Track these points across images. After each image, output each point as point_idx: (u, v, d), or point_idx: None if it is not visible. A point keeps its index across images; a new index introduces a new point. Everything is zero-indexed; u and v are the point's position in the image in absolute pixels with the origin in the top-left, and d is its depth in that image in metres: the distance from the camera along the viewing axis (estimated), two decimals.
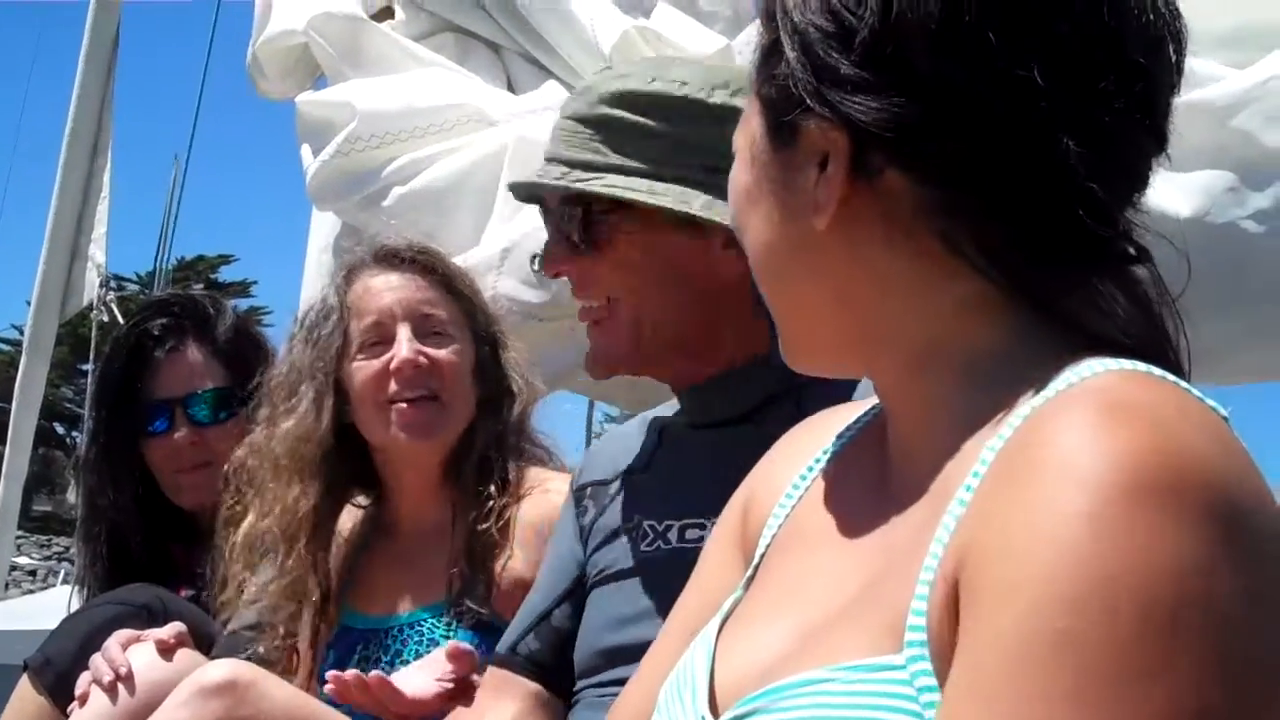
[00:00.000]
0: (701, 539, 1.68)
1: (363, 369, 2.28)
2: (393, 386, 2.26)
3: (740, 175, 1.13)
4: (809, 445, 1.24)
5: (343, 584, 2.32)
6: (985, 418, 0.97)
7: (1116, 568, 0.79)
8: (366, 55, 3.13)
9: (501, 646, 1.90)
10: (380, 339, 2.29)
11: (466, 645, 1.95)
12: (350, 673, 1.91)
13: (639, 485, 1.84)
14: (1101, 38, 0.99)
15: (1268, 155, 2.24)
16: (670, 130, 1.77)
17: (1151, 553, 0.79)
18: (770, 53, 1.08)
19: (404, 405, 2.26)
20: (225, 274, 42.56)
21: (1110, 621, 0.78)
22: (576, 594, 1.85)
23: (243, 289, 41.05)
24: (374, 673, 1.93)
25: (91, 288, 4.73)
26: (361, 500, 2.39)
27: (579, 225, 1.80)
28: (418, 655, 2.16)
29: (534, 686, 1.85)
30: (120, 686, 2.13)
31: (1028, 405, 0.93)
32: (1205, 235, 2.18)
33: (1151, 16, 1.02)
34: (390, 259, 2.34)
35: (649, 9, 3.06)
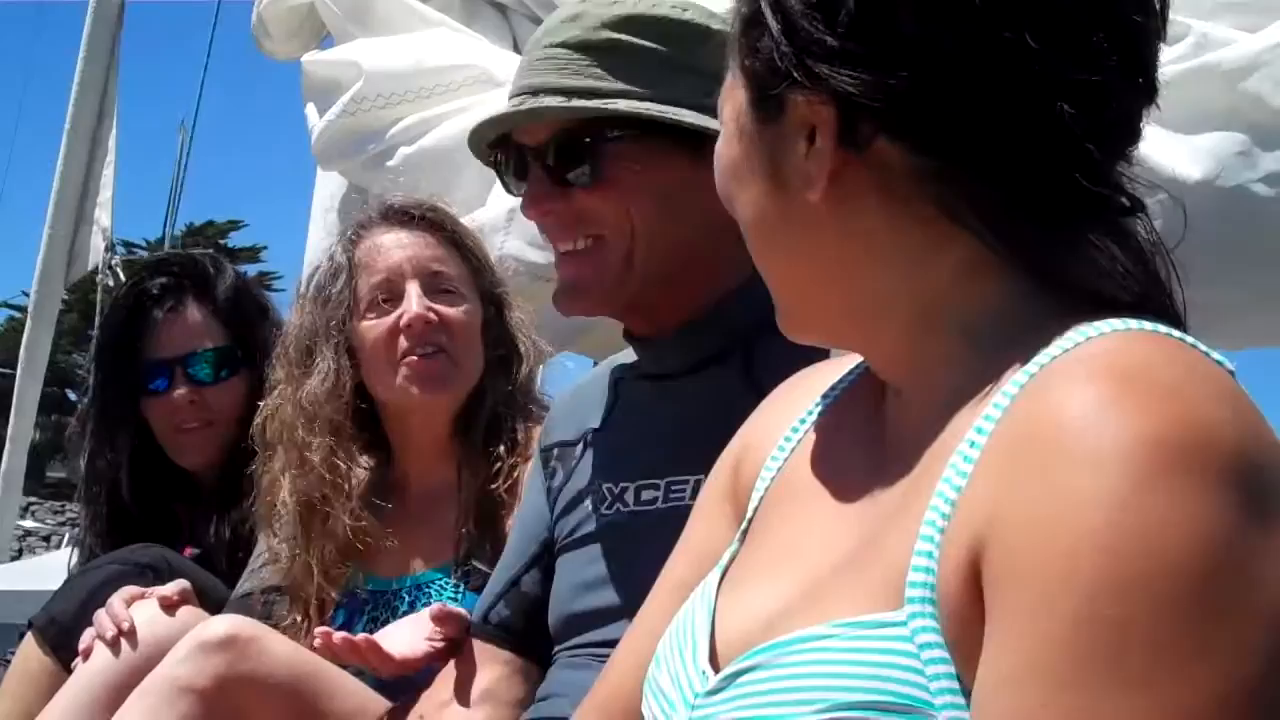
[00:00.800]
0: (655, 500, 1.69)
1: (373, 327, 2.27)
2: (403, 343, 2.25)
3: (727, 149, 1.12)
4: (799, 399, 1.24)
5: (353, 544, 2.31)
6: (985, 379, 0.97)
7: (1154, 546, 0.79)
8: (373, 15, 3.12)
9: (476, 613, 1.89)
10: (390, 296, 2.28)
11: (453, 608, 1.94)
12: (339, 635, 1.90)
13: (598, 445, 1.81)
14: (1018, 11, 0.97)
15: (1278, 118, 2.23)
16: (674, 54, 1.72)
17: (1183, 526, 0.80)
18: (751, 24, 1.06)
19: (414, 359, 2.25)
20: (234, 239, 42.60)
21: (1160, 602, 0.78)
22: (544, 559, 1.84)
23: (252, 254, 41.10)
24: (361, 634, 1.93)
25: (97, 252, 4.73)
26: (365, 461, 2.39)
27: (585, 156, 1.72)
28: None
29: (506, 654, 1.84)
30: (123, 642, 2.14)
31: (1032, 365, 0.92)
32: (1215, 198, 2.17)
33: None
34: (399, 217, 2.33)
35: None
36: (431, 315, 2.25)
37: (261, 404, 2.37)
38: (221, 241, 41.16)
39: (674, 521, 1.64)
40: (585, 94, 1.71)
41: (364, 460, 2.36)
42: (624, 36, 1.73)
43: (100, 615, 2.21)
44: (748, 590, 1.11)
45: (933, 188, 1.00)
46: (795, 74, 1.01)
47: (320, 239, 3.37)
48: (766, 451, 1.22)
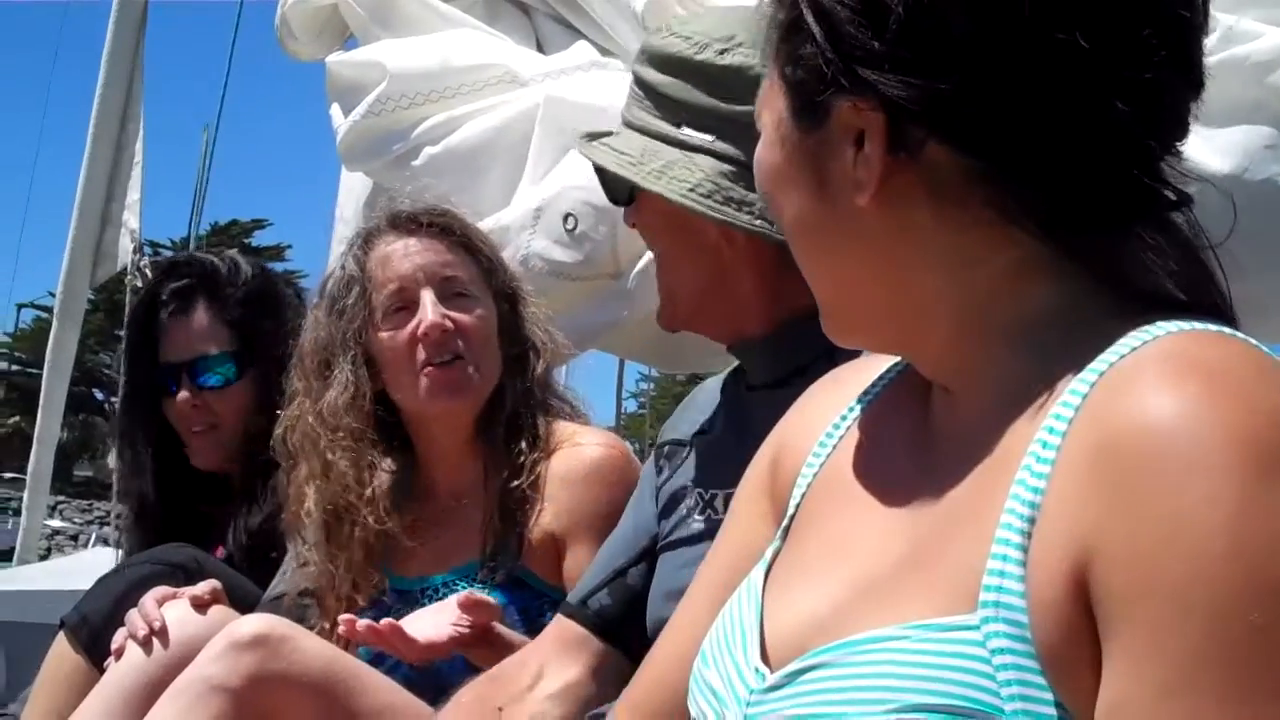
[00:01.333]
0: None
1: (390, 338, 2.28)
2: (421, 352, 2.26)
3: (769, 154, 1.12)
4: (836, 398, 1.24)
5: (379, 548, 2.32)
6: (1042, 380, 0.97)
7: (1277, 542, 0.80)
8: (396, 16, 3.12)
9: (574, 597, 1.89)
10: (404, 305, 2.29)
11: (482, 596, 1.95)
12: (362, 621, 1.91)
13: (700, 449, 1.85)
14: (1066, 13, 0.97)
15: None
16: (676, 89, 1.80)
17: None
18: (791, 30, 1.06)
19: (433, 368, 2.26)
20: (259, 238, 42.78)
21: None
22: (650, 553, 1.86)
23: (276, 253, 41.24)
24: (385, 619, 1.94)
25: (125, 253, 4.75)
26: (389, 466, 2.39)
27: (631, 190, 1.86)
28: None
29: (601, 646, 1.83)
30: (154, 641, 2.16)
31: (1099, 364, 0.92)
32: (1242, 192, 2.15)
33: None
34: (407, 224, 2.34)
35: None
36: (447, 323, 2.26)
37: (281, 413, 2.38)
38: (246, 241, 41.35)
39: None
40: (625, 122, 1.84)
41: (387, 465, 2.37)
42: (641, 69, 1.87)
43: (132, 615, 2.23)
44: (796, 589, 1.11)
45: (984, 189, 1.00)
46: (842, 80, 1.01)
47: (343, 242, 3.38)
48: (806, 449, 1.22)
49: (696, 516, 1.78)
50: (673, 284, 1.86)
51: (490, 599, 1.95)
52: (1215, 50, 2.23)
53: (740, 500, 1.31)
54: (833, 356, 1.67)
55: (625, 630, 1.82)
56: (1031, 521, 0.91)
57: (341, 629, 1.92)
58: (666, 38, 1.82)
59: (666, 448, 1.91)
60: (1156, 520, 0.83)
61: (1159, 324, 0.93)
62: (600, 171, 1.88)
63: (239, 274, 2.87)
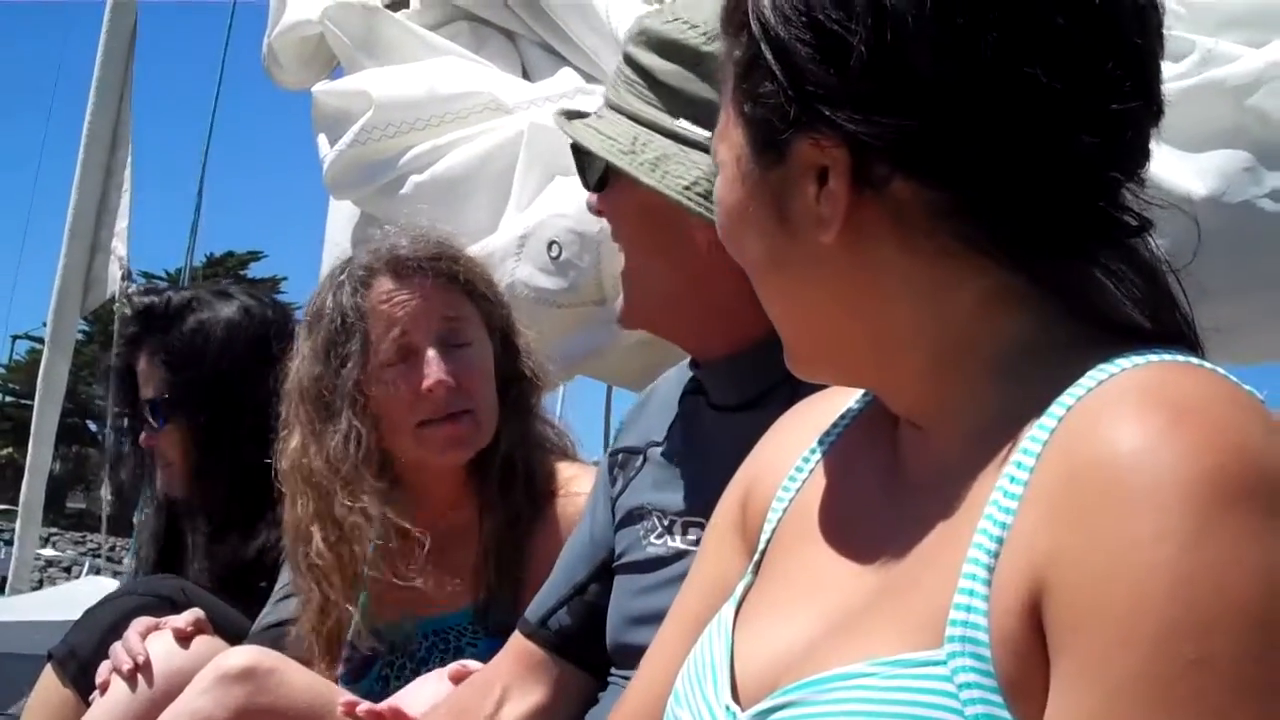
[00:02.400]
0: (699, 540, 1.63)
1: (392, 390, 2.22)
2: (424, 408, 2.22)
3: (729, 192, 1.10)
4: (804, 431, 1.23)
5: (376, 590, 2.30)
6: (1012, 412, 0.96)
7: (1225, 583, 0.80)
8: (382, 44, 3.13)
9: (533, 615, 1.84)
10: (405, 357, 2.23)
11: (472, 664, 1.93)
12: (363, 707, 1.88)
13: (656, 464, 1.79)
14: (1098, 24, 0.98)
15: None
16: (677, 79, 1.69)
17: (1253, 561, 0.80)
18: (750, 67, 1.05)
19: (437, 425, 2.22)
20: (255, 270, 42.74)
21: (1238, 640, 0.79)
22: (609, 567, 1.80)
23: (272, 285, 41.13)
24: (384, 703, 1.91)
25: (114, 280, 4.75)
26: (387, 510, 2.34)
27: (609, 177, 1.75)
28: (441, 660, 2.14)
29: (564, 666, 1.80)
30: (139, 675, 2.15)
31: (1066, 397, 0.92)
32: (1221, 215, 2.17)
33: None
34: (403, 265, 2.26)
35: None
36: (452, 381, 2.21)
37: (278, 442, 2.33)
38: (242, 273, 41.33)
39: None
40: (610, 106, 1.73)
41: (386, 509, 2.29)
42: (636, 50, 1.73)
43: (116, 649, 2.22)
44: (766, 625, 1.10)
45: (950, 222, 1.00)
46: (803, 118, 1.01)
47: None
48: (775, 483, 1.21)
49: (654, 540, 1.72)
50: (644, 281, 1.76)
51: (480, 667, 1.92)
52: (1193, 73, 2.25)
53: (712, 535, 1.30)
54: (795, 382, 1.66)
55: (587, 649, 1.78)
56: (996, 555, 0.91)
57: (340, 711, 1.90)
58: (671, 22, 1.69)
59: (620, 455, 1.84)
60: (1106, 550, 0.83)
61: (1128, 355, 0.93)
62: (578, 152, 1.77)
63: (170, 318, 2.86)
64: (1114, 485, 0.84)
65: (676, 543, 1.70)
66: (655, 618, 1.66)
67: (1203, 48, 2.27)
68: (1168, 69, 1.06)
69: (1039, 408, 0.94)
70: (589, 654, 1.78)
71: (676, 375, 1.87)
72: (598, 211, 1.81)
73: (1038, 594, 0.87)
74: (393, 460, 2.27)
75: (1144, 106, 1.01)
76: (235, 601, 2.56)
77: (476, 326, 2.28)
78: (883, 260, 1.03)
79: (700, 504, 1.67)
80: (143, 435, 2.86)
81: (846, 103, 0.98)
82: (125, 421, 2.98)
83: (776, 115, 1.03)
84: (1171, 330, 0.99)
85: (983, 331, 1.02)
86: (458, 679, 1.90)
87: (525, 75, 3.18)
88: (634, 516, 1.77)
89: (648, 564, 1.72)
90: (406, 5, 3.34)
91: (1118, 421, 0.87)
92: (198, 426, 2.76)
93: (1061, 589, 0.85)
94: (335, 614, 2.22)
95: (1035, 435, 0.92)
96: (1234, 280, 2.09)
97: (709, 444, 1.74)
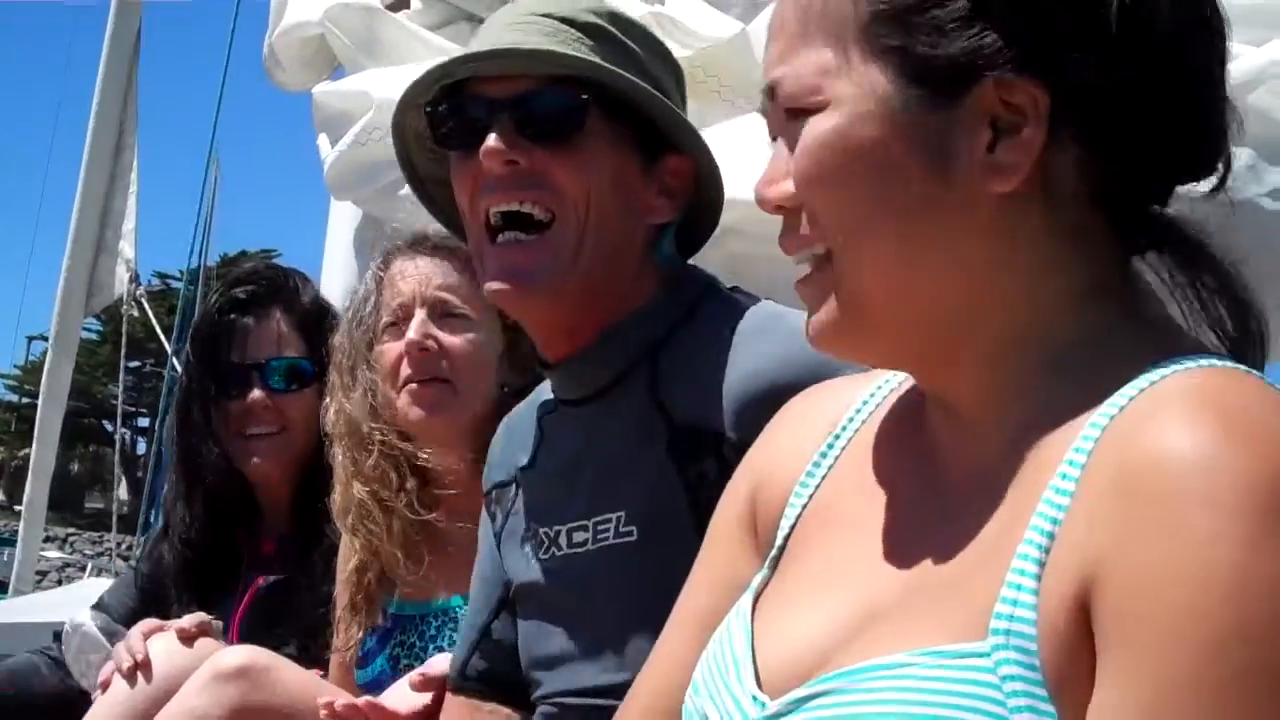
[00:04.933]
0: (586, 542, 1.65)
1: (385, 351, 2.31)
2: (405, 369, 2.27)
3: (858, 130, 1.02)
4: (814, 424, 1.22)
5: (413, 540, 2.33)
6: (1066, 409, 0.96)
7: (1277, 588, 0.81)
8: (382, 45, 3.14)
9: (451, 673, 1.84)
10: (397, 321, 2.31)
11: (432, 671, 1.95)
12: (340, 702, 1.90)
13: (529, 485, 1.77)
14: (1221, 29, 1.02)
15: None
16: (646, 60, 1.69)
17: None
18: (926, 5, 1.00)
19: (414, 385, 2.27)
20: None
21: None
22: (508, 602, 1.79)
23: None
24: (364, 698, 1.94)
25: (121, 283, 4.76)
26: (409, 483, 2.38)
27: (564, 117, 1.64)
28: (451, 641, 2.17)
29: (490, 706, 1.80)
30: (139, 674, 2.17)
31: (1119, 398, 0.93)
32: (1222, 213, 2.16)
33: None
34: (419, 244, 2.35)
35: None
36: (429, 343, 2.26)
37: (325, 403, 2.41)
38: None
39: (606, 560, 1.63)
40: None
41: (409, 481, 2.36)
42: (609, 26, 1.69)
43: (118, 648, 2.25)
44: (790, 618, 1.10)
45: (1088, 200, 1.00)
46: (1022, 59, 0.97)
47: (336, 267, 3.40)
48: (791, 477, 1.19)
49: (542, 556, 1.71)
50: (589, 238, 1.65)
51: (440, 670, 1.94)
52: None
53: (717, 533, 1.29)
54: (654, 363, 1.63)
55: (510, 679, 1.77)
56: (1047, 551, 0.91)
57: (323, 714, 1.92)
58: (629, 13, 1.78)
59: (494, 492, 1.83)
60: (1162, 551, 0.84)
61: (1182, 359, 0.94)
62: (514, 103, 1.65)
63: (307, 287, 2.88)
64: (1168, 488, 0.85)
65: (564, 550, 1.69)
66: (559, 626, 1.67)
67: None
68: None
69: (1089, 406, 0.94)
70: (513, 690, 1.76)
71: (526, 407, 1.86)
72: (505, 163, 1.64)
73: (1088, 590, 0.87)
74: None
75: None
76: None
77: (479, 308, 2.31)
78: (1020, 226, 1.01)
79: (574, 508, 1.68)
80: (254, 395, 2.74)
81: (1093, 48, 0.97)
82: (203, 384, 2.83)
83: (964, 54, 0.99)
84: (1236, 338, 1.00)
85: (1058, 323, 1.01)
86: (419, 686, 1.91)
87: None
88: (521, 542, 1.76)
89: (542, 580, 1.72)
90: (407, 6, 3.35)
91: (1170, 425, 0.88)
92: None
93: (1113, 585, 0.86)
94: (372, 573, 2.27)
95: (1087, 434, 0.93)
96: None
97: (569, 446, 1.72)
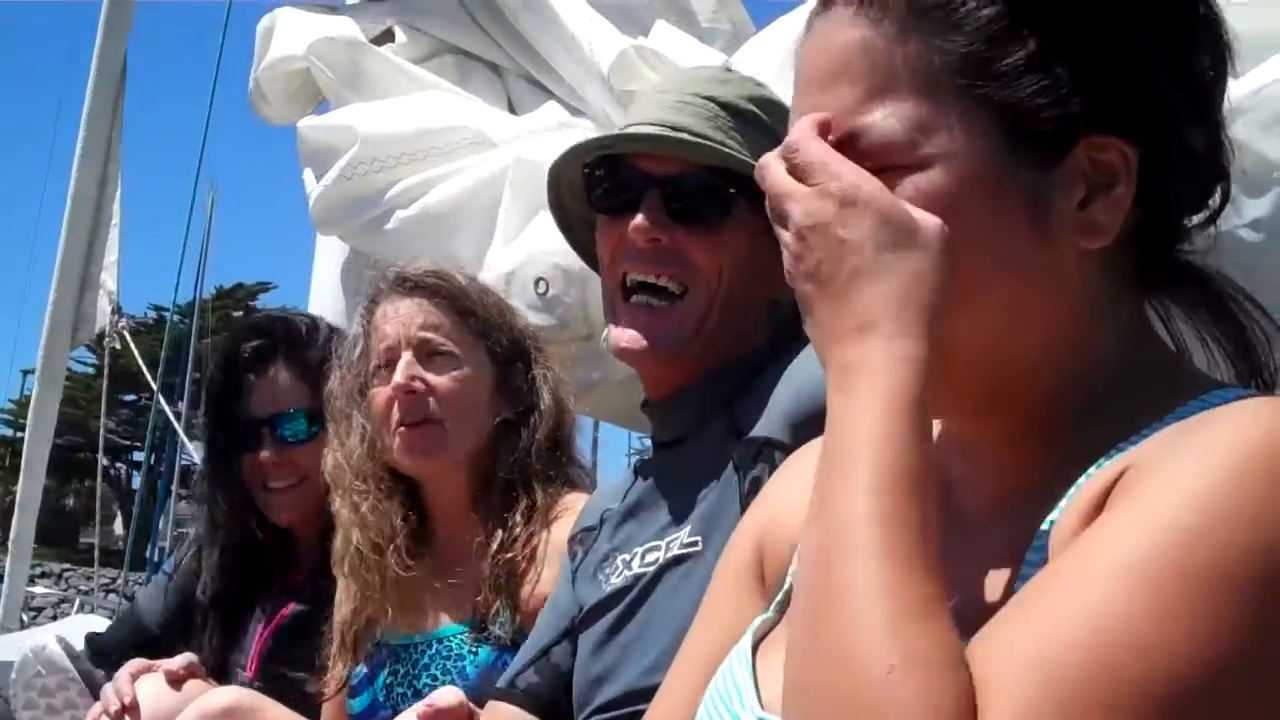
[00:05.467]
0: (658, 560, 1.73)
1: (376, 395, 2.33)
2: (395, 412, 2.29)
3: (963, 190, 1.00)
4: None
5: (396, 595, 2.33)
6: (1099, 448, 0.96)
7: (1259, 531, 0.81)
8: (367, 79, 3.15)
9: (502, 681, 1.91)
10: (388, 363, 2.32)
11: (441, 704, 1.95)
12: None
13: (617, 521, 1.87)
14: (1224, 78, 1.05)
15: (1263, 163, 2.23)
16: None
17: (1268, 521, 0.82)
18: (1030, 66, 1.00)
19: (404, 429, 2.29)
20: (264, 301, 42.73)
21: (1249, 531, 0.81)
22: (575, 633, 1.86)
23: None
24: None
25: (103, 315, 4.76)
26: (403, 518, 2.38)
27: (710, 202, 1.78)
28: (443, 669, 2.22)
29: (530, 718, 1.86)
30: (126, 717, 2.17)
31: (1151, 431, 0.93)
32: (1202, 246, 2.17)
33: None
34: (401, 285, 2.37)
35: (647, 26, 3.06)
36: (416, 384, 2.28)
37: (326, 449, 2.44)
38: (251, 304, 41.41)
39: (671, 570, 1.71)
40: (721, 145, 1.79)
41: (402, 517, 2.36)
42: (764, 116, 1.82)
43: (106, 690, 2.26)
44: None
45: (1134, 242, 1.02)
46: (1110, 117, 0.99)
47: (323, 301, 3.40)
48: (798, 520, 1.20)
49: (614, 579, 1.79)
50: (717, 309, 1.81)
51: (451, 705, 1.94)
52: None
53: (724, 577, 1.29)
54: (732, 408, 1.73)
55: (555, 705, 1.84)
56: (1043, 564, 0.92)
57: None
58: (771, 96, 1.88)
59: (579, 535, 1.93)
60: (1174, 455, 0.86)
61: (1224, 393, 0.95)
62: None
63: (317, 332, 2.87)
64: (1194, 435, 0.87)
65: (634, 570, 1.76)
66: (617, 638, 1.73)
67: None
68: None
69: (1111, 445, 0.95)
70: (558, 710, 1.84)
71: (624, 470, 1.98)
72: (650, 239, 1.80)
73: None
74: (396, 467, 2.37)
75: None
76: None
77: (465, 345, 2.34)
78: (1091, 278, 1.02)
79: (654, 529, 1.77)
80: (264, 453, 2.77)
81: (1179, 107, 1.00)
82: (218, 440, 2.87)
83: (1062, 114, 0.99)
84: (1249, 377, 1.03)
85: (1102, 366, 1.02)
86: (427, 718, 1.91)
87: (511, 108, 3.20)
88: (598, 570, 1.84)
89: (610, 598, 1.79)
90: (392, 40, 3.36)
91: (1187, 437, 0.89)
92: None
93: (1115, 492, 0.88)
94: (364, 615, 2.29)
95: (1100, 461, 0.94)
96: None
97: (659, 480, 1.83)
